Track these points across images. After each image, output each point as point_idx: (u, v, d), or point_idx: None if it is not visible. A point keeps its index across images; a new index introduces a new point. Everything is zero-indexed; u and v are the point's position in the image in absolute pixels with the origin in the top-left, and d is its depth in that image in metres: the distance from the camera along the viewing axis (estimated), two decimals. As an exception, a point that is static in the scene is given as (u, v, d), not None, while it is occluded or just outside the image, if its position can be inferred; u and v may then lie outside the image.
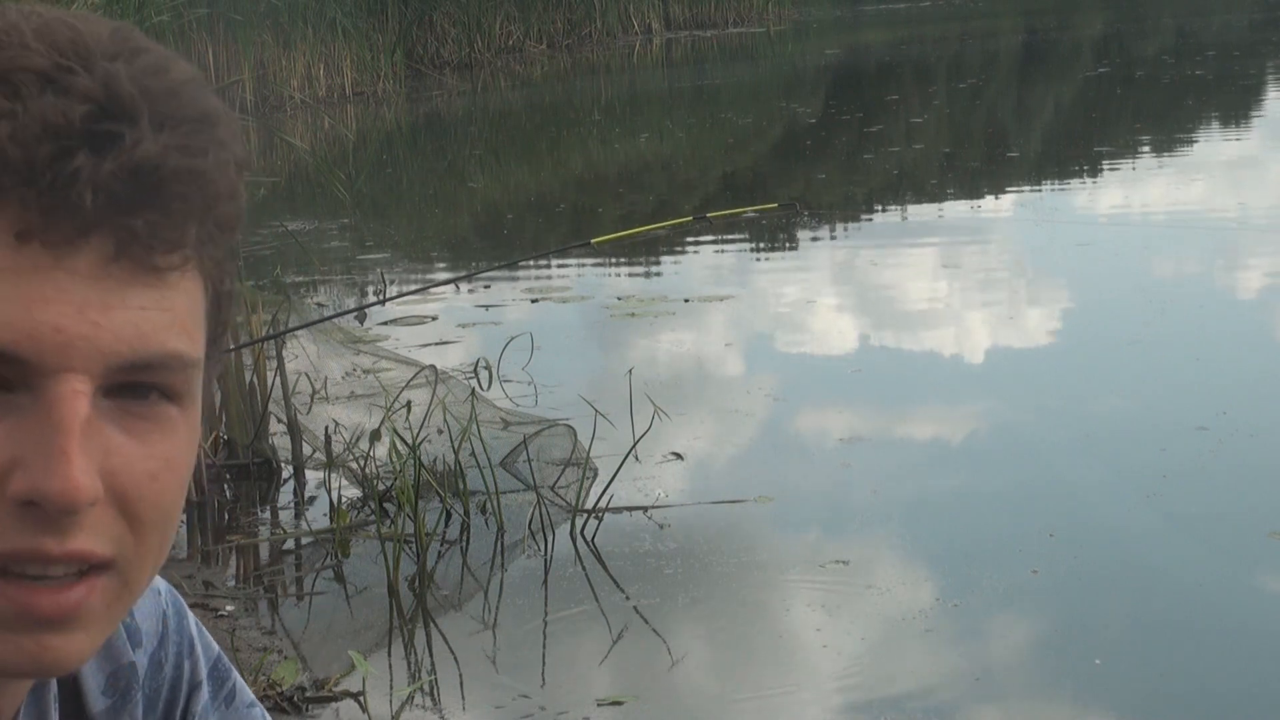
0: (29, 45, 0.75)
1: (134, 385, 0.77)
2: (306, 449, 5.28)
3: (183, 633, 1.02)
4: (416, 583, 4.48)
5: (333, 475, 5.09)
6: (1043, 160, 12.96)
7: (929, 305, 7.63)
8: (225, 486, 5.27)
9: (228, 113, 0.80)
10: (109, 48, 0.77)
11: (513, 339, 6.48)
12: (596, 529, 4.71)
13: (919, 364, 6.62)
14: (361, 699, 3.68)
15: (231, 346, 4.75)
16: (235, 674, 1.06)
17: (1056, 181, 11.76)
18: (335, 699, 3.72)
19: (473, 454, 4.82)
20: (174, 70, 0.78)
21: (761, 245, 9.59)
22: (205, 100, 0.78)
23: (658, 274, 8.84)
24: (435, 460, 4.93)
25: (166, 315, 0.77)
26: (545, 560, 4.58)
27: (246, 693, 1.07)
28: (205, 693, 1.02)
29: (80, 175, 0.73)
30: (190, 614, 1.03)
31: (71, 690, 0.93)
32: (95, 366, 0.75)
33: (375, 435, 4.98)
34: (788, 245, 9.51)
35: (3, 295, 0.73)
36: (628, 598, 4.26)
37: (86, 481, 0.74)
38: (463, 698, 3.77)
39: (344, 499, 4.99)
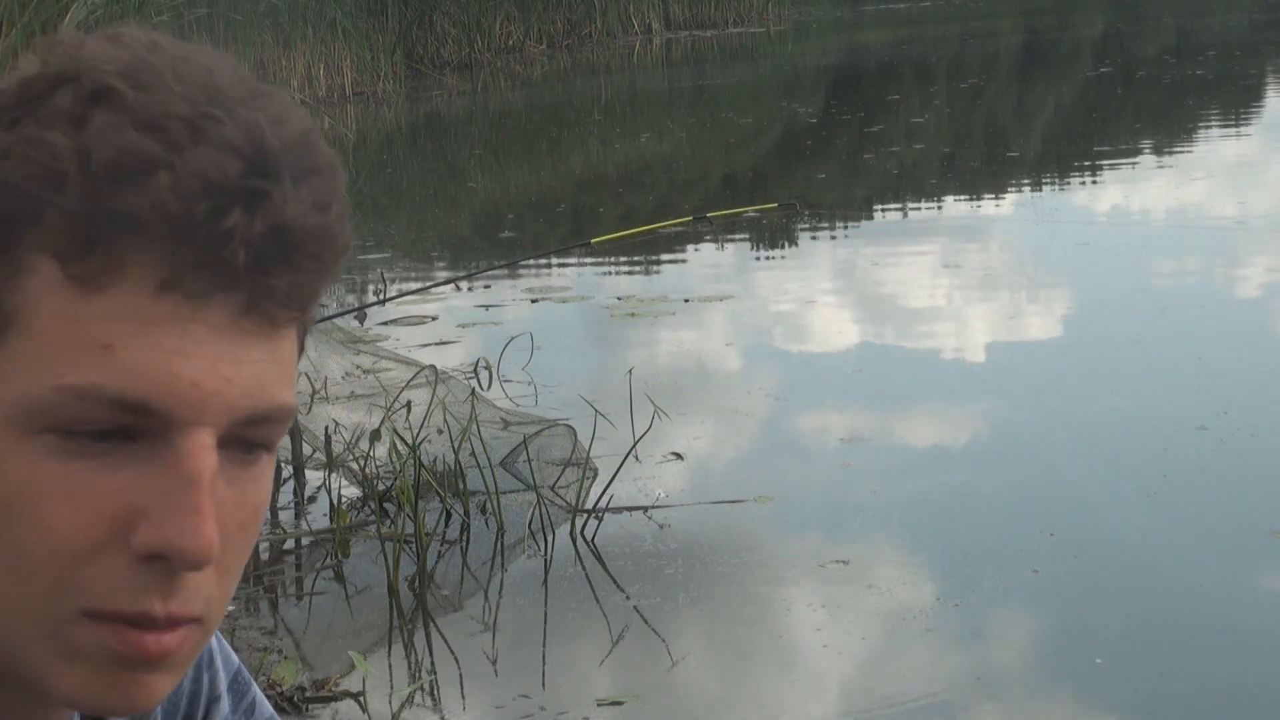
0: (171, 88, 0.74)
1: (241, 437, 0.77)
2: (306, 449, 5.28)
3: None
4: (416, 583, 4.47)
5: (333, 475, 5.09)
6: (1043, 160, 12.96)
7: (929, 305, 7.63)
8: (225, 486, 5.26)
9: (336, 157, 0.80)
10: (238, 90, 0.76)
11: (513, 339, 6.48)
12: (596, 529, 4.71)
13: (919, 364, 6.62)
14: (361, 699, 3.68)
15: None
16: (255, 687, 1.06)
17: (1056, 181, 11.76)
18: (335, 699, 3.72)
19: (473, 454, 4.82)
20: (295, 118, 0.78)
21: (761, 245, 9.58)
22: (324, 149, 0.79)
23: (658, 274, 8.84)
24: (435, 460, 4.92)
25: (279, 367, 0.77)
26: (545, 560, 4.58)
27: (266, 706, 1.06)
28: (225, 705, 1.02)
29: (234, 234, 0.73)
30: None
31: None
32: (222, 420, 0.75)
33: (375, 435, 4.97)
34: (788, 245, 9.51)
35: (141, 345, 0.73)
36: (628, 598, 4.26)
37: (216, 536, 0.74)
38: (463, 698, 3.76)
39: (344, 499, 4.99)
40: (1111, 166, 12.00)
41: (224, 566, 0.78)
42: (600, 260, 8.95)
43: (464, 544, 4.71)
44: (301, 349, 0.83)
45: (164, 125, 0.73)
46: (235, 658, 1.04)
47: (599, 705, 3.63)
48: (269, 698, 3.63)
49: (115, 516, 0.74)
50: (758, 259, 9.24)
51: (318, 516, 4.99)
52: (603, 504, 4.78)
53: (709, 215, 9.50)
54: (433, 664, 3.99)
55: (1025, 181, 11.86)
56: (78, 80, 0.74)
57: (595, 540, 4.66)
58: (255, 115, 0.75)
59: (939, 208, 10.83)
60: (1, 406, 0.74)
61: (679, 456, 5.36)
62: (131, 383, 0.73)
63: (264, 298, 0.75)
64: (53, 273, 0.73)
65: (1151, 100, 16.17)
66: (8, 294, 0.74)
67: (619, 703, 3.64)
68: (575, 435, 5.20)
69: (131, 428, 0.74)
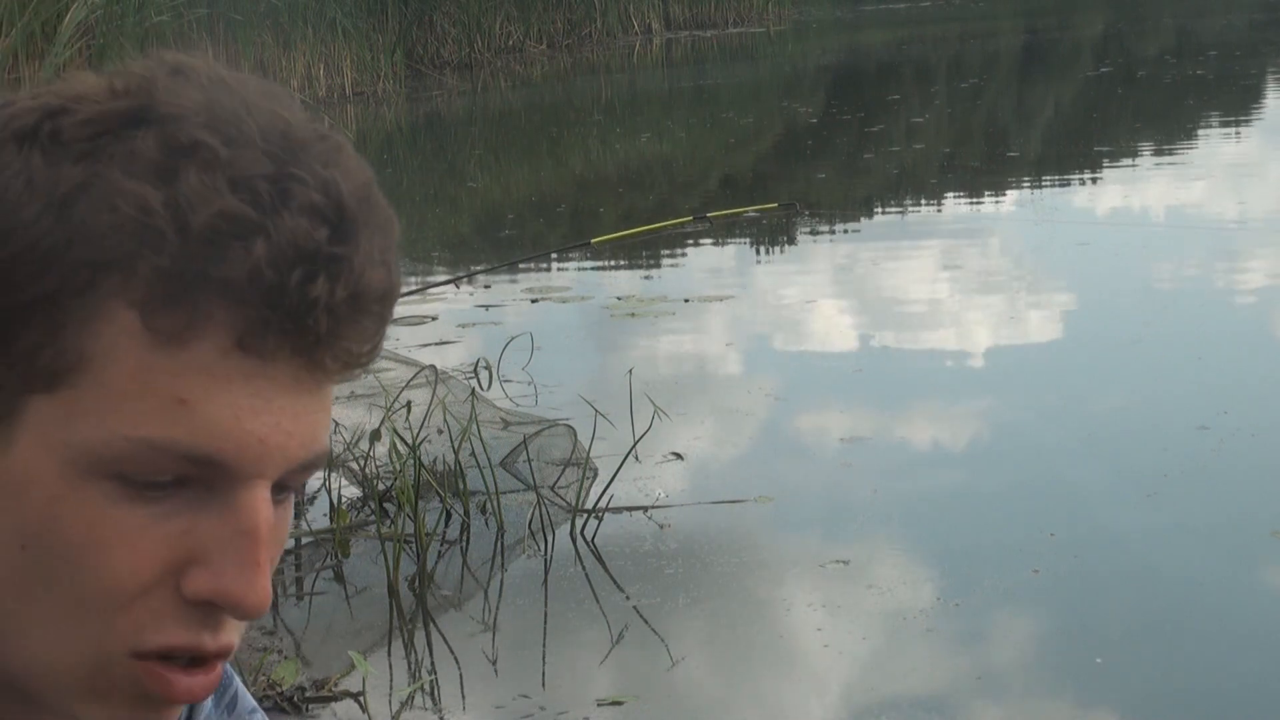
0: (256, 144, 0.74)
1: (286, 483, 0.78)
2: (306, 449, 5.27)
3: None
4: (416, 583, 4.47)
5: (333, 475, 5.09)
6: (1043, 160, 12.95)
7: (929, 305, 7.62)
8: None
9: (390, 206, 0.80)
10: (308, 136, 0.76)
11: (513, 339, 6.48)
12: (596, 529, 4.71)
13: (919, 364, 6.62)
14: (361, 699, 3.67)
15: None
16: (237, 680, 1.06)
17: (1056, 181, 11.76)
18: (335, 699, 3.72)
19: (473, 454, 4.81)
20: (357, 168, 0.78)
21: (761, 245, 9.58)
22: (382, 199, 0.78)
23: (658, 274, 8.84)
24: (435, 460, 4.92)
25: (325, 415, 0.78)
26: (545, 560, 4.58)
27: (248, 699, 1.06)
28: (208, 701, 1.02)
29: (320, 302, 0.73)
30: None
31: None
32: (278, 472, 0.76)
33: (375, 435, 4.97)
34: (788, 245, 9.51)
35: (216, 402, 0.73)
36: (628, 598, 4.26)
37: (270, 589, 0.75)
38: (463, 698, 3.76)
39: (344, 499, 4.99)
40: (1111, 166, 12.00)
41: None
42: (600, 260, 8.95)
43: (464, 544, 4.71)
44: None
45: (254, 186, 0.72)
46: None
47: (599, 705, 3.63)
48: (269, 698, 3.63)
49: (168, 561, 0.74)
50: (758, 259, 9.24)
51: (318, 516, 4.99)
52: (603, 504, 4.78)
53: (709, 215, 9.50)
54: (433, 664, 3.99)
55: (1025, 181, 11.85)
56: (161, 127, 0.73)
57: (595, 540, 4.65)
58: (331, 172, 0.75)
59: (939, 208, 10.83)
60: (66, 449, 0.74)
61: (679, 456, 5.36)
62: (205, 439, 0.73)
63: (329, 357, 0.76)
64: (132, 323, 0.73)
65: (1152, 100, 16.16)
66: (83, 338, 0.73)
67: (619, 703, 3.64)
68: (575, 435, 5.20)
69: (191, 476, 0.75)
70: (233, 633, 0.77)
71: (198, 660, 0.77)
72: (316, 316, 0.73)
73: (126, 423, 0.73)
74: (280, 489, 0.78)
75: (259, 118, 0.75)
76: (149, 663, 0.76)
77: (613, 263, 9.01)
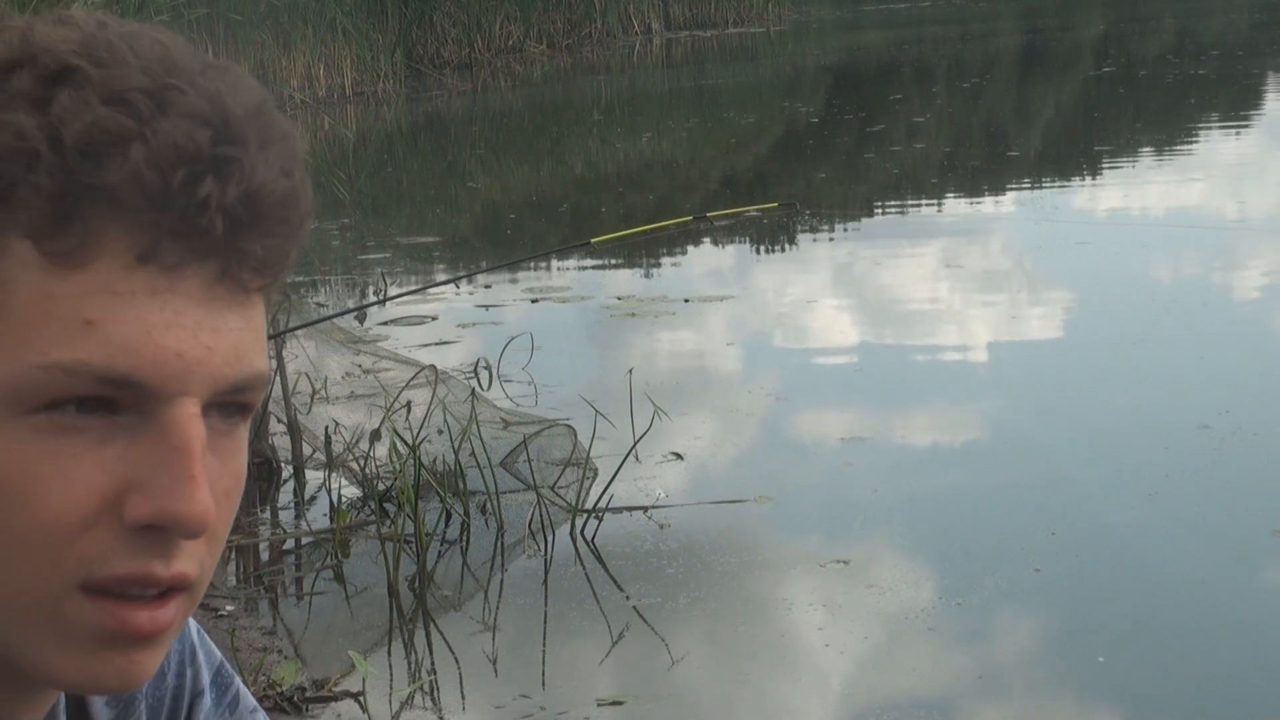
0: (129, 62, 0.74)
1: (222, 405, 0.78)
2: (306, 449, 5.27)
3: (184, 641, 1.01)
4: (416, 583, 4.47)
5: (333, 475, 5.08)
6: (1043, 160, 12.95)
7: (930, 304, 7.62)
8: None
9: (292, 124, 0.80)
10: (193, 62, 0.76)
11: (513, 339, 6.48)
12: (596, 529, 4.70)
13: (920, 363, 6.61)
14: (361, 699, 3.67)
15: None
16: (238, 680, 1.06)
17: (1057, 181, 11.75)
18: (335, 699, 3.71)
19: (473, 454, 4.81)
20: (250, 86, 0.78)
21: (761, 245, 9.57)
22: (281, 116, 0.79)
23: (658, 274, 8.83)
24: (435, 460, 4.92)
25: (253, 335, 0.78)
26: (545, 560, 4.57)
27: (249, 699, 1.06)
28: (208, 700, 1.02)
29: (210, 202, 0.73)
30: (192, 621, 1.03)
31: (77, 703, 0.93)
32: (206, 390, 0.75)
33: (375, 435, 4.97)
34: (788, 245, 9.50)
35: (123, 319, 0.73)
36: (628, 598, 4.25)
37: (211, 503, 0.74)
38: (463, 698, 3.76)
39: (344, 499, 4.98)
40: (1112, 166, 12.00)
41: (213, 533, 0.78)
42: (600, 260, 8.94)
43: (464, 544, 4.70)
44: (268, 313, 0.83)
45: (128, 99, 0.73)
46: (217, 653, 1.05)
47: (599, 705, 3.63)
48: (269, 698, 3.62)
49: (105, 491, 0.74)
50: (758, 259, 9.23)
51: (318, 516, 4.99)
52: (603, 504, 4.77)
53: (709, 215, 9.49)
54: (433, 664, 3.99)
55: (1025, 181, 11.85)
56: (34, 61, 0.74)
57: (595, 540, 4.65)
58: (215, 84, 0.76)
59: (939, 208, 10.82)
60: None
61: (679, 456, 5.35)
62: (118, 357, 0.73)
63: (236, 264, 0.75)
64: (27, 252, 0.73)
65: (1152, 100, 16.16)
66: None
67: (619, 703, 3.64)
68: (575, 435, 5.19)
69: (117, 401, 0.74)
70: (187, 561, 0.76)
71: (160, 593, 0.76)
72: (210, 217, 0.73)
73: (35, 351, 0.73)
74: (222, 413, 0.78)
75: (135, 43, 0.75)
76: (103, 598, 0.75)
77: (613, 263, 9.01)
